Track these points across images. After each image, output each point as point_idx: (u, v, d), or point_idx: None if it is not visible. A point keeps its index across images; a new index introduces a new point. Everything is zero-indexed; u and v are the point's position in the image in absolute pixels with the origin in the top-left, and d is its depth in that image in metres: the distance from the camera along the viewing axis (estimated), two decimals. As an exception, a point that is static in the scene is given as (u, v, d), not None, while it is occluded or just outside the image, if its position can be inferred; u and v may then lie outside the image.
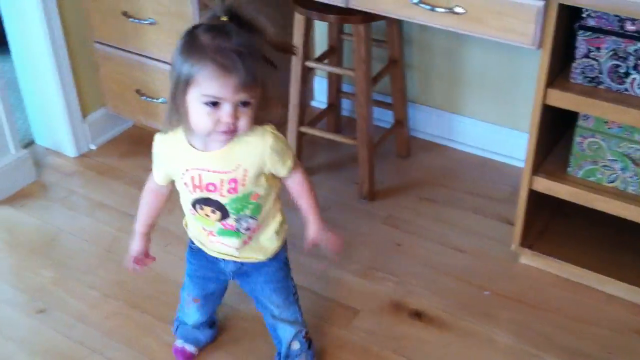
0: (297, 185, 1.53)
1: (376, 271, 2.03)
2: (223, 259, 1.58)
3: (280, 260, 1.62)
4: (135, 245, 1.61)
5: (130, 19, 2.21)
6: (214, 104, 1.31)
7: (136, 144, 2.57)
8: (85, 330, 1.87)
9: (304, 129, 2.32)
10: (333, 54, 2.41)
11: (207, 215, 1.49)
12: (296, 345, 1.68)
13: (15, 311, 1.94)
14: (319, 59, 2.36)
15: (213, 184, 1.43)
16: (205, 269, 1.63)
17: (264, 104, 1.38)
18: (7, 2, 2.28)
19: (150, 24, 2.18)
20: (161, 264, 1.91)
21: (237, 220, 1.49)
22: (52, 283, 2.02)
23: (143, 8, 2.18)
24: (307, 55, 2.21)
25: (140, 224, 1.60)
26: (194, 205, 1.48)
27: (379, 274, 2.02)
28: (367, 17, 2.02)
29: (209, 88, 1.29)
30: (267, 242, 1.56)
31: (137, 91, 2.37)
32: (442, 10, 1.74)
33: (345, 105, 2.64)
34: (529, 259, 2.03)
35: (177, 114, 1.36)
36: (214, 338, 1.83)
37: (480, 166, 2.44)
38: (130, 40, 2.28)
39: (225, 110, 1.31)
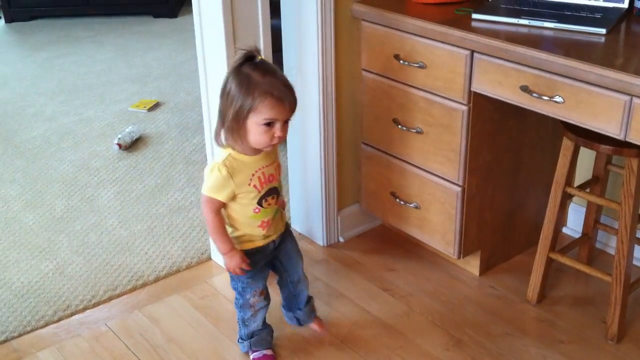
0: None
1: (618, 422, 1.87)
2: (273, 240, 1.98)
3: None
4: (239, 257, 1.91)
5: (399, 126, 2.34)
6: (269, 124, 1.78)
7: (381, 242, 2.66)
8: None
9: (554, 256, 2.25)
10: (596, 183, 2.33)
11: (270, 204, 1.91)
12: (307, 295, 2.15)
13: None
14: (581, 187, 2.30)
15: (272, 175, 1.90)
16: (261, 260, 1.99)
17: None
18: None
19: (418, 132, 2.28)
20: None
21: (282, 195, 1.97)
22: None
23: (413, 117, 2.29)
24: (568, 181, 2.17)
25: (229, 242, 1.90)
26: (260, 202, 1.88)
27: None
28: (642, 152, 1.95)
29: (269, 114, 1.76)
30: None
31: (392, 193, 2.47)
32: None
33: (601, 237, 2.52)
34: None
35: (237, 135, 1.80)
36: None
37: None
38: (395, 145, 2.40)
39: (278, 127, 1.79)
